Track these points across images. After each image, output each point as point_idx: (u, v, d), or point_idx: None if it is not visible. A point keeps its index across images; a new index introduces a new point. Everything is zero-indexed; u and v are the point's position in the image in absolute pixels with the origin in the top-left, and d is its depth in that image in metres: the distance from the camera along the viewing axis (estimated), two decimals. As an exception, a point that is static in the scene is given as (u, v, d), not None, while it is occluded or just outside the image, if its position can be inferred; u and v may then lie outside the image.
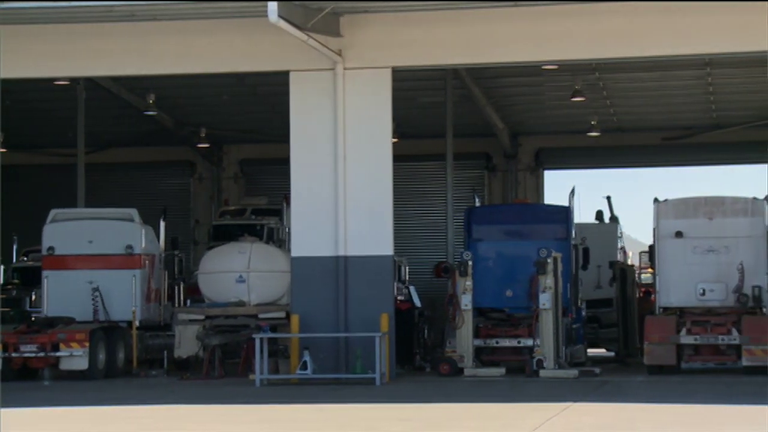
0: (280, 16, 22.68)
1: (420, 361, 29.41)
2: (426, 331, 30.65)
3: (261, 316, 27.10)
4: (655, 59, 27.57)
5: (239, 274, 27.57)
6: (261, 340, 24.88)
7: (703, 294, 27.70)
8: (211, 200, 39.31)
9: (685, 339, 27.24)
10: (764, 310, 27.66)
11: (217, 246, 30.06)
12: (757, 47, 25.02)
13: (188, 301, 29.79)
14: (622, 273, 33.84)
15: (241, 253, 27.94)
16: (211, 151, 39.42)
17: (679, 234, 28.09)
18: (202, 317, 27.26)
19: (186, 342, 27.07)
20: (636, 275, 35.32)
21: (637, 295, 34.33)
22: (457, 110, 31.88)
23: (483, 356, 27.48)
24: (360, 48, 25.71)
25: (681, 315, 27.72)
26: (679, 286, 27.90)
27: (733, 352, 27.11)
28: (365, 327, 25.13)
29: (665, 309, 28.12)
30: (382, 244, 25.73)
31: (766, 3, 23.91)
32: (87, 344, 26.17)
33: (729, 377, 26.21)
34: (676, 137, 36.71)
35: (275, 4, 22.53)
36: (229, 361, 27.31)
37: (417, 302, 30.98)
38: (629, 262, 38.91)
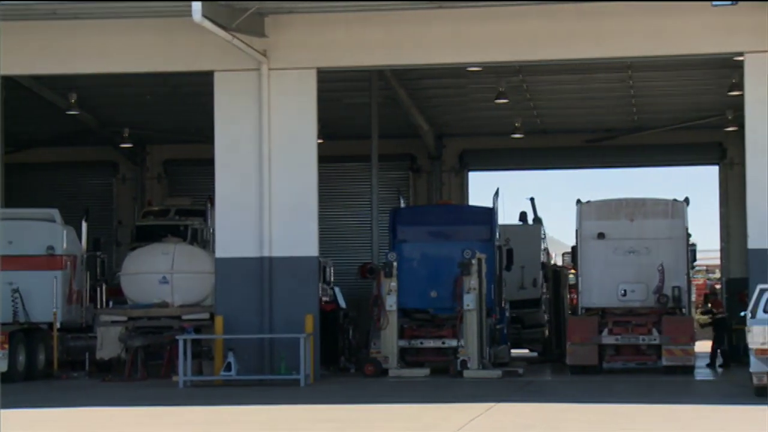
0: (204, 15, 22.55)
1: (345, 362, 29.40)
2: (351, 332, 30.65)
3: (184, 317, 26.93)
4: (577, 62, 27.81)
5: (162, 275, 27.38)
6: (184, 341, 24.72)
7: (625, 295, 28.01)
8: (134, 201, 38.97)
9: (607, 339, 27.52)
10: (684, 310, 28.03)
11: (140, 247, 29.81)
12: (676, 51, 25.37)
13: (110, 303, 29.50)
14: (555, 274, 34.13)
15: (164, 254, 27.75)
16: (135, 152, 39.09)
17: (601, 235, 28.38)
18: (124, 319, 27.03)
19: (108, 343, 26.82)
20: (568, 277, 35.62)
21: (569, 297, 34.61)
22: (382, 111, 31.92)
23: (407, 357, 27.55)
24: (285, 48, 25.65)
25: (603, 315, 28.00)
26: (601, 287, 28.18)
27: (654, 352, 27.44)
28: (290, 328, 25.08)
29: (587, 309, 28.39)
30: (307, 245, 25.69)
31: (683, 4, 24.25)
32: (6, 346, 25.82)
33: (649, 377, 26.53)
34: (598, 139, 37.02)
35: (199, 3, 22.40)
36: (152, 363, 27.09)
37: (342, 303, 30.97)
38: (552, 263, 39.24)
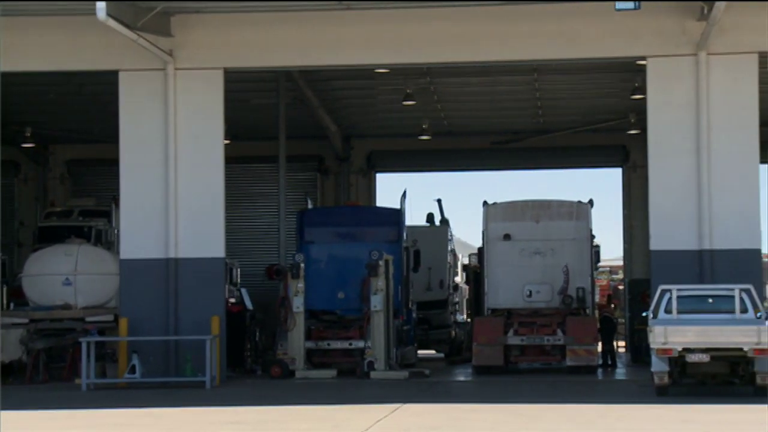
0: (108, 14, 22.28)
1: (251, 364, 29.26)
2: (257, 333, 30.52)
3: (88, 319, 26.61)
4: (484, 64, 27.99)
5: (65, 277, 27.02)
6: (88, 343, 24.42)
7: (530, 295, 28.26)
8: (37, 201, 38.35)
9: (512, 340, 27.75)
10: (588, 311, 28.36)
11: (42, 248, 29.38)
12: (580, 54, 25.65)
13: (12, 305, 29.03)
14: (476, 276, 34.31)
15: (67, 255, 27.39)
16: (37, 151, 38.48)
17: (507, 236, 28.61)
18: (26, 321, 26.61)
19: (9, 346, 26.37)
20: None
21: None
22: (290, 112, 31.82)
23: (314, 358, 27.51)
24: (191, 48, 25.46)
25: (509, 316, 28.22)
26: (506, 288, 28.40)
27: (558, 352, 27.73)
28: (196, 330, 24.90)
29: (493, 310, 28.59)
30: (214, 246, 25.52)
31: (587, 8, 24.54)
32: None
33: (554, 377, 26.79)
34: (504, 141, 37.29)
35: (103, 2, 22.12)
36: (54, 366, 26.71)
37: (249, 305, 30.83)
38: (459, 264, 39.43)
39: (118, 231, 27.74)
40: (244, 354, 29.14)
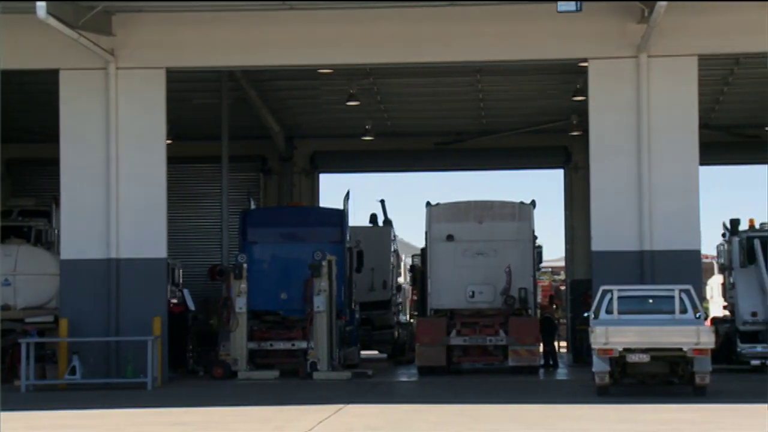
0: (49, 13, 22.09)
1: (193, 365, 29.12)
2: (200, 334, 30.37)
3: (28, 320, 26.34)
4: (427, 65, 28.06)
5: (5, 278, 26.74)
6: (27, 344, 24.19)
7: (473, 296, 28.34)
8: (-24, 201, 37.94)
9: (455, 340, 27.83)
10: (530, 311, 28.49)
11: (-19, 248, 29.04)
12: (523, 56, 25.78)
13: (-50, 306, 28.68)
14: (423, 276, 34.30)
15: (6, 255, 27.11)
16: (-24, 151, 38.11)
17: (450, 237, 28.68)
18: (-35, 322, 26.31)
19: (-52, 348, 26.08)
20: None
21: None
22: (233, 112, 31.72)
23: (257, 359, 27.43)
24: (133, 48, 25.30)
25: (451, 317, 28.29)
26: (449, 289, 28.46)
27: (501, 353, 27.85)
28: (137, 330, 24.75)
29: (436, 311, 28.64)
30: (156, 247, 25.38)
31: (529, 11, 24.66)
32: None
33: (496, 377, 26.90)
34: (448, 142, 37.38)
35: (44, 1, 21.91)
36: (-7, 367, 26.43)
37: (191, 305, 30.68)
38: (402, 265, 39.49)
39: (58, 231, 27.48)
40: (187, 355, 28.99)
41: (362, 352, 32.05)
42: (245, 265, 26.96)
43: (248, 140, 35.97)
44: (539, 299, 31.49)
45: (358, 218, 34.98)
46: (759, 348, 27.59)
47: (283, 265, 28.25)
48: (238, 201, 33.70)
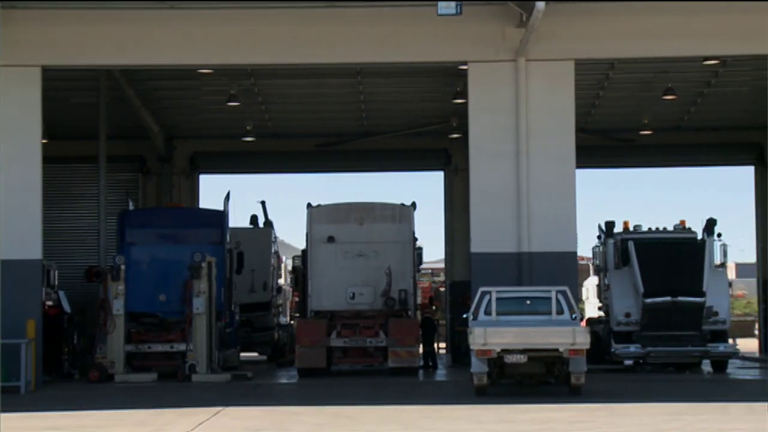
0: None
1: (68, 368, 28.65)
2: (75, 336, 29.90)
3: None
4: (308, 66, 28.03)
5: None
6: None
7: (353, 298, 28.39)
8: None
9: (335, 342, 27.84)
10: (410, 312, 28.63)
11: None
12: (403, 58, 25.91)
13: None
14: (303, 278, 34.14)
15: None
16: None
17: (330, 239, 28.69)
18: None
19: None
20: None
21: None
22: (111, 112, 31.26)
23: (135, 362, 27.12)
24: (7, 45, 24.76)
25: (332, 318, 28.30)
26: (330, 290, 28.47)
27: (380, 354, 27.94)
28: (10, 333, 24.23)
29: (317, 313, 28.62)
30: (30, 247, 24.91)
31: (410, 13, 24.79)
32: None
33: (376, 378, 26.97)
34: (329, 144, 37.38)
35: None
36: None
37: (66, 307, 30.18)
38: (282, 266, 39.36)
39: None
40: (62, 358, 28.51)
41: (242, 354, 31.88)
42: (123, 267, 26.63)
43: (127, 140, 35.52)
44: (419, 300, 31.67)
45: (238, 219, 34.83)
46: (632, 348, 28.12)
47: (162, 266, 27.96)
48: (116, 202, 33.24)
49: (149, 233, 28.69)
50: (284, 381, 27.98)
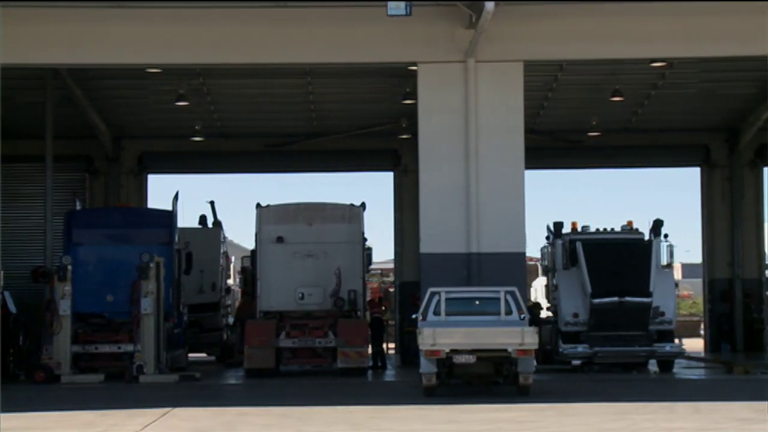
0: None
1: (14, 369, 28.37)
2: (21, 337, 29.62)
3: None
4: (257, 66, 27.95)
5: None
6: None
7: (302, 298, 28.36)
8: None
9: (284, 343, 27.79)
10: (359, 313, 28.63)
11: None
12: (353, 59, 25.92)
13: None
14: (253, 278, 34.02)
15: None
16: None
17: (280, 239, 28.64)
18: None
19: None
20: None
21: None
22: (58, 111, 31.02)
23: (81, 362, 26.92)
24: (-48, 43, 24.54)
25: (281, 319, 28.24)
26: (279, 291, 28.43)
27: (329, 355, 27.91)
28: (-45, 335, 23.99)
29: (266, 313, 28.55)
30: (-25, 248, 24.67)
31: (360, 14, 24.80)
32: None
33: (325, 379, 26.95)
34: (279, 144, 37.30)
35: None
36: None
37: (12, 308, 29.89)
38: (232, 266, 39.26)
39: None
40: (7, 359, 28.23)
41: (190, 355, 31.73)
42: (69, 267, 26.42)
43: (74, 140, 35.24)
44: (368, 300, 31.66)
45: (187, 219, 34.67)
46: (580, 348, 28.28)
47: (110, 266, 27.80)
48: (63, 201, 32.96)
49: (96, 233, 28.50)
50: (233, 382, 27.89)
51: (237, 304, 36.69)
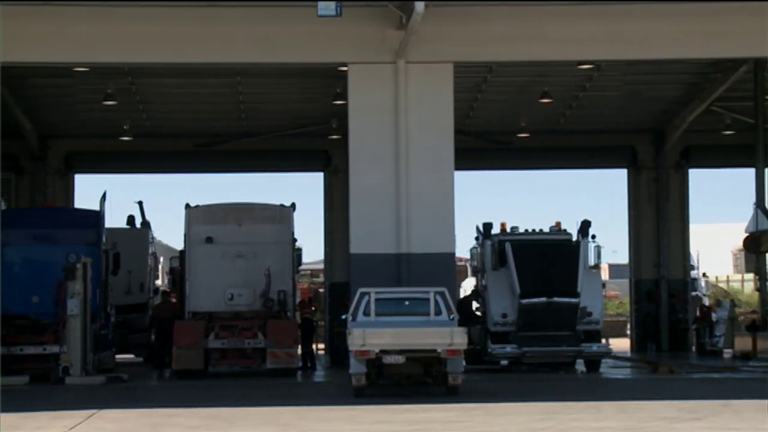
0: None
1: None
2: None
3: None
4: (186, 66, 27.79)
5: None
6: None
7: (232, 299, 28.23)
8: None
9: (213, 343, 27.64)
10: (289, 314, 28.56)
11: None
12: (282, 59, 25.86)
13: None
14: (182, 279, 33.73)
15: None
16: None
17: (209, 240, 28.49)
18: None
19: None
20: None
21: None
22: (-18, 110, 30.65)
23: (6, 364, 26.54)
24: None
25: (210, 319, 28.10)
26: (208, 291, 28.28)
27: (259, 356, 27.81)
28: None
29: (195, 314, 28.39)
30: None
31: (290, 14, 24.76)
32: None
33: (254, 380, 26.85)
34: (208, 144, 37.13)
35: None
36: None
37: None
38: (160, 267, 38.97)
39: None
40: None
41: (118, 356, 31.45)
42: (-6, 268, 26.08)
43: (-1, 139, 34.81)
44: (298, 301, 31.60)
45: (115, 220, 34.35)
46: (509, 348, 28.44)
47: (35, 267, 27.47)
48: (-12, 201, 32.50)
49: (22, 234, 28.14)
50: (161, 383, 27.69)
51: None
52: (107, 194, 29.05)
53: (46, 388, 24.63)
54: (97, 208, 28.95)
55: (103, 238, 28.82)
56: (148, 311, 33.88)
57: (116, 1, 24.59)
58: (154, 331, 31.61)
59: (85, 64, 27.68)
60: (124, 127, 35.32)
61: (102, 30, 24.87)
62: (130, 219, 35.56)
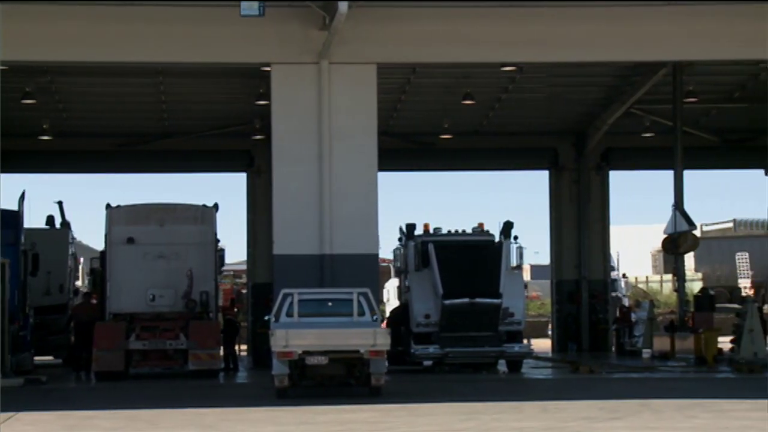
0: None
1: None
2: None
3: None
4: (108, 65, 27.51)
5: None
6: None
7: (153, 300, 28.03)
8: None
9: (134, 345, 27.42)
10: (211, 315, 28.42)
11: None
12: (205, 58, 25.70)
13: None
14: (102, 279, 33.38)
15: None
16: None
17: (130, 240, 28.27)
18: None
19: None
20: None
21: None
22: None
23: None
24: None
25: (131, 321, 27.87)
26: (129, 292, 28.05)
27: (181, 357, 27.64)
28: None
29: (116, 315, 28.14)
30: None
31: (213, 13, 24.63)
32: None
33: (175, 381, 26.69)
34: (130, 144, 36.81)
35: None
36: None
37: None
38: (80, 269, 38.55)
39: None
40: None
41: (36, 358, 31.07)
42: None
43: None
44: (221, 302, 31.44)
45: (34, 220, 33.93)
46: (431, 349, 28.52)
47: (-48, 268, 27.00)
48: None
49: (-62, 234, 27.69)
50: (80, 385, 27.40)
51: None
52: (26, 194, 28.77)
53: (-37, 391, 24.24)
54: (15, 207, 28.59)
55: (22, 239, 28.50)
56: (67, 312, 33.50)
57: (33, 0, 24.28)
58: (74, 333, 31.24)
59: (3, 63, 27.27)
60: (44, 126, 34.90)
61: (21, 28, 24.51)
62: (50, 219, 35.16)
